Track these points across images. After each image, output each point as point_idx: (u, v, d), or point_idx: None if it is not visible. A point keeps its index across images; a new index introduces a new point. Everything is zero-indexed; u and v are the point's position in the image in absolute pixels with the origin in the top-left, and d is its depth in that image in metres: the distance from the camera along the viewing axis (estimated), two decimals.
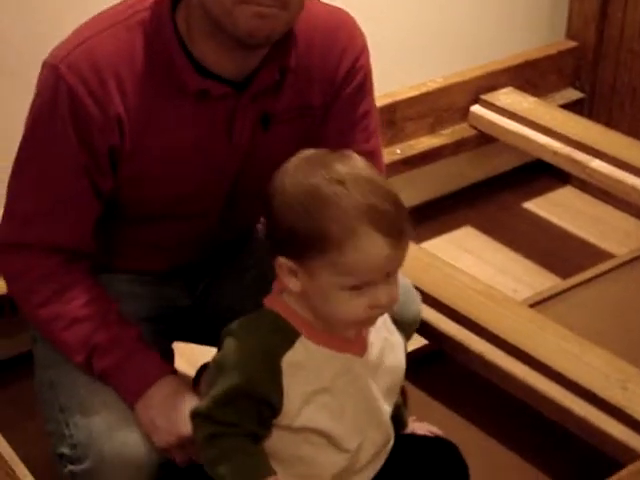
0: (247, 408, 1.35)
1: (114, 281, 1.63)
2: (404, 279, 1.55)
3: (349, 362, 1.40)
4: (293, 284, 1.34)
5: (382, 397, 1.45)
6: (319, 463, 1.41)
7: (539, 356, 1.81)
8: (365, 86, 1.61)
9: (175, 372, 1.54)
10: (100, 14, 1.49)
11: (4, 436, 1.57)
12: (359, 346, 1.42)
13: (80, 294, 1.51)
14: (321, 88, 1.56)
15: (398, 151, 2.55)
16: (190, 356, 1.91)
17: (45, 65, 1.46)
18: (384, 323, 1.48)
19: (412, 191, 2.63)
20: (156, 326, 1.64)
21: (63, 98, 1.43)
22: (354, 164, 1.34)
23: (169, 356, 1.67)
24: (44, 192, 1.49)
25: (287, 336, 1.37)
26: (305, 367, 1.37)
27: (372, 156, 1.57)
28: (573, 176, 2.71)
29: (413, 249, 2.06)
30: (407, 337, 1.65)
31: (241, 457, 1.36)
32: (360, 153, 1.39)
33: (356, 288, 1.32)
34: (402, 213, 1.32)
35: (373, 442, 1.45)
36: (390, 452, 1.52)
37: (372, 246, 1.30)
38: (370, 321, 1.38)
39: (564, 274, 2.45)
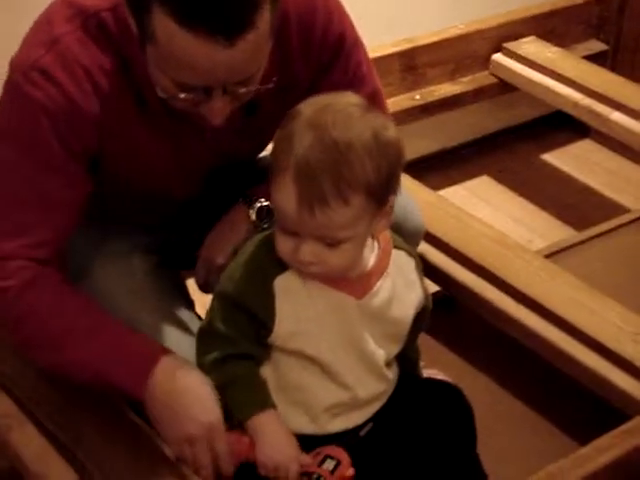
0: (243, 322, 1.38)
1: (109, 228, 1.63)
2: (405, 195, 1.52)
3: (342, 301, 1.41)
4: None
5: (376, 343, 1.45)
6: (314, 392, 1.43)
7: (551, 306, 1.80)
8: (351, 51, 1.55)
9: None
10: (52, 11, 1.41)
11: None
12: (358, 288, 1.41)
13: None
14: (305, 63, 1.52)
15: (417, 97, 2.53)
16: None
17: (14, 68, 1.39)
18: (404, 274, 1.48)
19: (430, 138, 2.63)
20: (161, 258, 1.64)
21: (36, 107, 1.36)
22: (333, 109, 1.31)
23: (181, 290, 1.67)
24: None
25: (281, 261, 1.37)
26: (297, 294, 1.39)
27: (372, 97, 1.54)
28: (593, 129, 2.69)
29: (428, 195, 2.08)
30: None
31: (244, 386, 1.38)
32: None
33: (283, 229, 1.34)
34: (337, 179, 1.28)
35: (367, 384, 1.46)
36: (394, 392, 1.52)
37: (285, 195, 1.30)
38: (301, 269, 1.37)
39: (580, 227, 2.45)
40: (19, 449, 1.47)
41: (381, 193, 1.33)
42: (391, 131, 1.34)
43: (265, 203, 1.57)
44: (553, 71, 2.56)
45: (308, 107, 1.33)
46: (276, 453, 1.36)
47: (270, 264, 1.39)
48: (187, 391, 1.37)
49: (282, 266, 1.39)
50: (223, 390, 1.39)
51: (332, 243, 1.32)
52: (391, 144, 1.33)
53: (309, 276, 1.38)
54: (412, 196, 1.78)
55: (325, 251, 1.33)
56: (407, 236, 1.59)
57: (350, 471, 1.39)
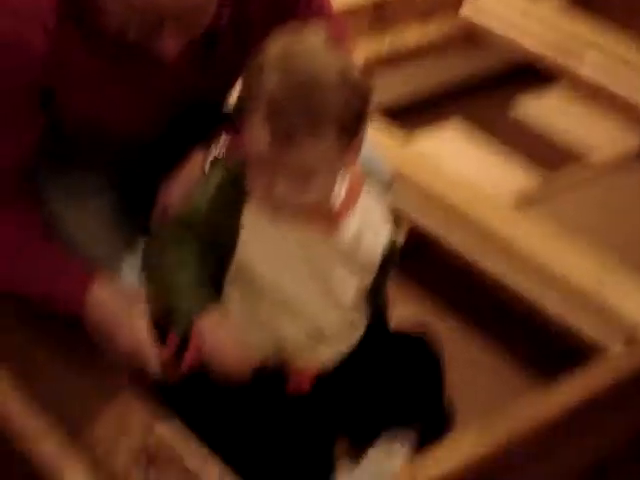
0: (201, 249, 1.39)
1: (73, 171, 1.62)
2: (370, 147, 1.53)
3: (311, 236, 1.42)
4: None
5: (343, 278, 1.46)
6: (277, 323, 1.43)
7: (519, 249, 1.81)
8: None
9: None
10: None
11: None
12: (328, 224, 1.42)
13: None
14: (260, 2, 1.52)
15: (386, 41, 2.51)
16: None
17: None
18: (373, 210, 1.48)
19: (401, 84, 2.61)
20: (125, 202, 1.64)
21: None
22: (300, 45, 1.33)
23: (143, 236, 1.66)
24: None
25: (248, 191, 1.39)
26: (264, 224, 1.39)
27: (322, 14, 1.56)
28: (563, 74, 2.68)
29: (398, 141, 2.08)
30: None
31: (183, 294, 1.39)
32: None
33: (256, 166, 1.35)
34: (307, 114, 1.29)
35: (332, 319, 1.47)
36: (363, 342, 1.53)
37: (257, 134, 1.31)
38: (274, 206, 1.38)
39: (548, 174, 2.44)
40: None
41: (351, 126, 1.34)
42: (356, 68, 1.35)
43: (219, 152, 1.56)
44: (526, 15, 2.55)
45: (274, 45, 1.34)
46: (225, 357, 1.36)
47: (237, 194, 1.40)
48: (118, 310, 1.44)
49: (249, 197, 1.40)
50: (165, 296, 1.40)
51: (305, 178, 1.33)
52: (358, 81, 1.34)
53: (279, 214, 1.38)
54: (382, 141, 1.78)
55: (297, 186, 1.34)
56: (374, 183, 1.59)
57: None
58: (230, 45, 1.50)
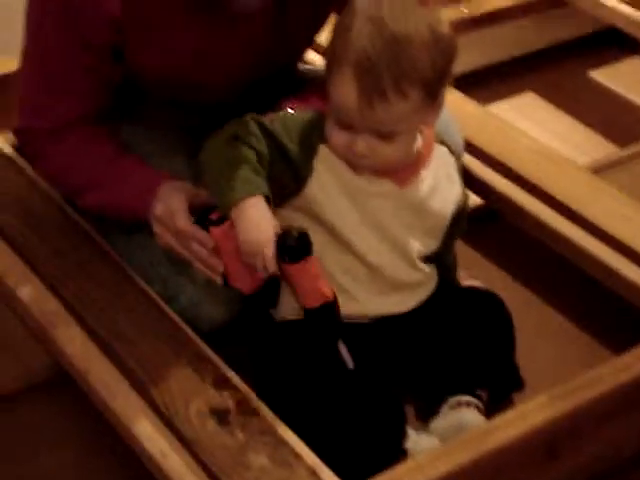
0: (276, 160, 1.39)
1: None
2: (446, 113, 1.52)
3: (384, 187, 1.43)
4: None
5: (411, 234, 1.47)
6: (326, 263, 1.44)
7: (593, 218, 1.79)
8: None
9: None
10: None
11: None
12: (402, 177, 1.44)
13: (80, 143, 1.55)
14: None
15: (465, 10, 2.50)
16: None
17: None
18: (445, 168, 1.48)
19: (477, 52, 2.59)
20: None
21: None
22: (390, 1, 1.32)
23: None
24: (47, 80, 1.52)
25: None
26: (339, 165, 1.41)
27: None
28: None
29: (474, 108, 2.06)
30: None
31: (240, 171, 1.36)
32: None
33: (339, 123, 1.35)
34: (396, 73, 1.30)
35: (396, 267, 1.48)
36: (434, 299, 1.53)
37: (343, 87, 1.33)
38: (354, 162, 1.39)
39: (626, 144, 2.41)
40: (63, 346, 1.50)
41: (435, 87, 1.36)
42: (445, 25, 1.36)
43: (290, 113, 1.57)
44: None
45: (363, 1, 1.34)
46: (251, 236, 1.34)
47: (321, 131, 1.41)
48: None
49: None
50: (221, 174, 1.38)
51: (387, 136, 1.35)
52: (446, 39, 1.35)
53: (357, 166, 1.39)
54: (458, 109, 1.77)
55: (379, 144, 1.36)
56: None
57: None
58: (302, 7, 1.51)
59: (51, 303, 1.55)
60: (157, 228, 1.47)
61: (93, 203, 1.57)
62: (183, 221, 1.41)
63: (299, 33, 1.57)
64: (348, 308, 1.45)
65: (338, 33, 1.35)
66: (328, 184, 1.42)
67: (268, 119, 1.43)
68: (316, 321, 1.39)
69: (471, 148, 1.93)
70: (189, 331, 1.49)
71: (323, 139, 1.42)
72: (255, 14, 1.45)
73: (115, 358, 1.46)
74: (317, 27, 1.62)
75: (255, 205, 1.34)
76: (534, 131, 2.41)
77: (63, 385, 1.57)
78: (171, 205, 1.43)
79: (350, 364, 1.42)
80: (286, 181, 1.42)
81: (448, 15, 2.40)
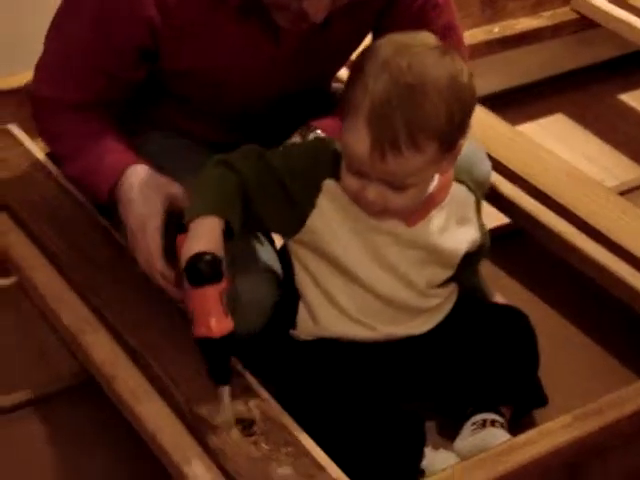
0: (274, 195, 1.39)
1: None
2: (474, 142, 1.51)
3: (392, 226, 1.42)
4: None
5: (417, 267, 1.46)
6: (344, 294, 1.44)
7: (621, 241, 1.79)
8: None
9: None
10: None
11: None
12: (411, 216, 1.42)
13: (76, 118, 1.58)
14: None
15: (496, 30, 2.50)
16: None
17: None
18: (461, 209, 1.48)
19: (507, 73, 2.60)
20: None
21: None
22: (410, 51, 1.29)
23: None
24: (66, 64, 1.56)
25: (338, 166, 1.38)
26: (343, 201, 1.40)
27: (447, 30, 1.55)
28: None
29: (504, 128, 2.07)
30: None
31: (208, 190, 1.38)
32: (436, 30, 1.38)
33: (352, 171, 1.33)
34: (411, 126, 1.25)
35: (403, 295, 1.48)
36: (457, 315, 1.54)
37: (357, 137, 1.29)
38: (366, 208, 1.38)
39: None
40: (90, 352, 1.51)
41: (452, 139, 1.32)
42: (465, 76, 1.32)
43: (319, 134, 1.57)
44: (636, 7, 2.51)
45: (384, 47, 1.31)
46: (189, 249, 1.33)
47: (326, 164, 1.40)
48: (138, 189, 1.48)
49: (336, 174, 1.39)
50: (196, 190, 1.40)
51: (399, 187, 1.32)
52: (465, 90, 1.31)
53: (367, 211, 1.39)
54: (488, 129, 1.77)
55: (391, 193, 1.33)
56: (477, 183, 1.59)
57: None
58: (342, 25, 1.50)
59: (82, 310, 1.57)
60: (130, 237, 1.49)
61: (70, 173, 1.65)
62: (158, 263, 1.43)
63: (338, 51, 1.57)
64: (366, 336, 1.47)
65: (356, 77, 1.31)
66: (332, 219, 1.41)
67: (270, 153, 1.42)
68: (201, 351, 1.36)
69: (500, 167, 1.94)
70: None
71: (329, 173, 1.40)
72: (300, 31, 1.46)
73: (142, 365, 1.48)
74: (355, 47, 1.63)
75: (202, 224, 1.34)
76: (563, 152, 2.41)
77: (92, 390, 1.58)
78: (147, 226, 1.45)
79: (227, 419, 1.36)
80: (287, 216, 1.42)
81: (479, 36, 2.48)
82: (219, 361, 1.35)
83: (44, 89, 1.61)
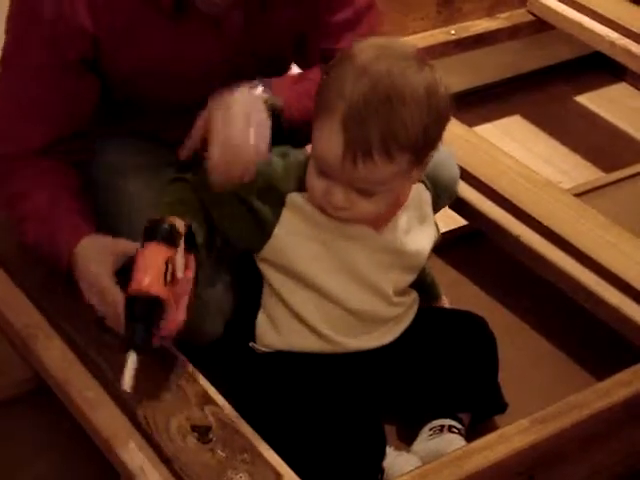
0: (238, 214, 1.39)
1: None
2: (444, 148, 1.51)
3: (360, 232, 1.41)
4: None
5: (385, 273, 1.45)
6: (309, 309, 1.43)
7: (576, 243, 1.80)
8: None
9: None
10: None
11: None
12: (376, 221, 1.41)
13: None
14: None
15: (453, 32, 2.51)
16: None
17: None
18: (421, 208, 1.47)
19: (464, 75, 2.60)
20: None
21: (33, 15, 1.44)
22: (390, 57, 1.28)
23: None
24: (21, 104, 1.50)
25: (303, 182, 1.37)
26: (307, 215, 1.38)
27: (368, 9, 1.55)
28: (628, 72, 2.67)
29: (460, 130, 2.07)
30: (442, 204, 1.65)
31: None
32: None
33: (318, 170, 1.31)
34: (386, 134, 1.24)
35: (372, 304, 1.47)
36: (416, 323, 1.53)
37: (329, 140, 1.27)
38: (329, 211, 1.36)
39: (610, 169, 2.42)
40: (43, 358, 1.49)
41: (424, 152, 1.31)
42: (442, 88, 1.30)
43: (261, 91, 1.51)
44: (591, 10, 2.53)
45: (363, 51, 1.29)
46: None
47: (289, 180, 1.39)
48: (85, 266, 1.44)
49: (302, 187, 1.38)
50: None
51: (366, 193, 1.31)
52: (441, 102, 1.30)
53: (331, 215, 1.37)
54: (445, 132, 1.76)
55: (358, 198, 1.32)
56: (442, 186, 1.58)
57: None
58: (283, 9, 1.49)
59: (33, 315, 1.54)
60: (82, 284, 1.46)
61: (28, 236, 1.55)
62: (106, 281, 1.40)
63: (284, 34, 1.53)
64: (329, 349, 1.46)
65: (331, 78, 1.29)
66: (297, 231, 1.39)
67: None
68: (126, 309, 1.32)
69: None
70: (172, 347, 1.48)
71: (292, 188, 1.39)
72: (232, 13, 1.45)
73: (95, 370, 1.45)
74: (300, 30, 1.60)
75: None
76: (519, 153, 2.42)
77: (45, 397, 1.56)
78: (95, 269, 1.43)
79: (126, 385, 1.31)
80: (251, 232, 1.41)
81: (436, 38, 2.48)
82: (140, 324, 1.31)
83: (3, 146, 1.54)
